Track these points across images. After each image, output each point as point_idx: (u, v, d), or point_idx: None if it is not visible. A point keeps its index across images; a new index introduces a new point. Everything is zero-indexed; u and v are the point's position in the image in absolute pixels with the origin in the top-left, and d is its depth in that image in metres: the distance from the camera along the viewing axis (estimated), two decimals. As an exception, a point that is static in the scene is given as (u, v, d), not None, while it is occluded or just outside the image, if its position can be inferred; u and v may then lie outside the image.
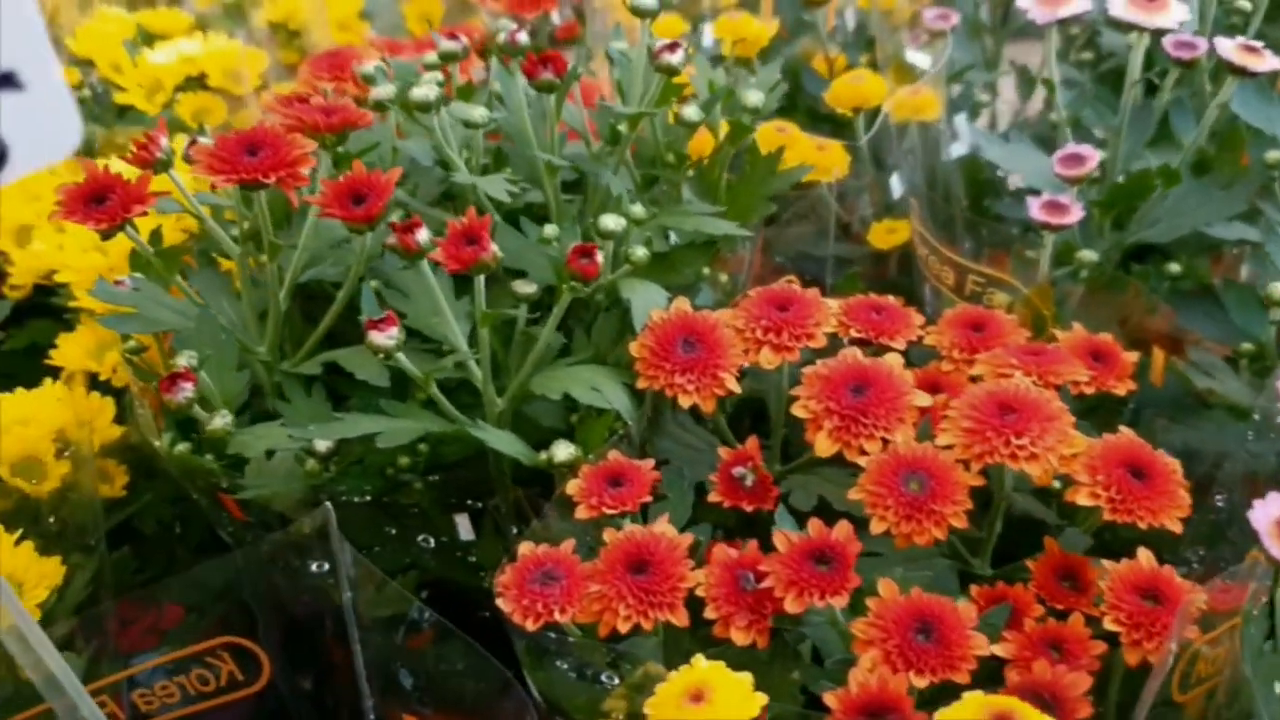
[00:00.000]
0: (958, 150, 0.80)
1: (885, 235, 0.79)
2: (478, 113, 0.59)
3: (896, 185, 0.78)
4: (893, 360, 0.56)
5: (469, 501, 0.60)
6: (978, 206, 0.78)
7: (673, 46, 0.59)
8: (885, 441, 0.53)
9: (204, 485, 0.59)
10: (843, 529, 0.50)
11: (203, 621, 0.57)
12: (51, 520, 0.59)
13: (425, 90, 0.58)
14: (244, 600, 0.56)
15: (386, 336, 0.53)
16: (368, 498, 0.58)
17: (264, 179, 0.53)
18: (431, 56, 0.66)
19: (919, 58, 0.82)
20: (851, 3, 0.97)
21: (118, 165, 0.55)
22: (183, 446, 0.59)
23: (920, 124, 0.77)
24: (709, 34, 0.93)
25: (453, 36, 0.66)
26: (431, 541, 0.60)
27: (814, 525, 0.50)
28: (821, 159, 0.73)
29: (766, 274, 0.71)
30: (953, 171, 0.78)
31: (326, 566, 0.53)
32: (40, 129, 0.25)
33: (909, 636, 0.46)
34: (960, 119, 0.82)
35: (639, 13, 0.62)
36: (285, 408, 0.58)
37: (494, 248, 0.54)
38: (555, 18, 0.84)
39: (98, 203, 0.54)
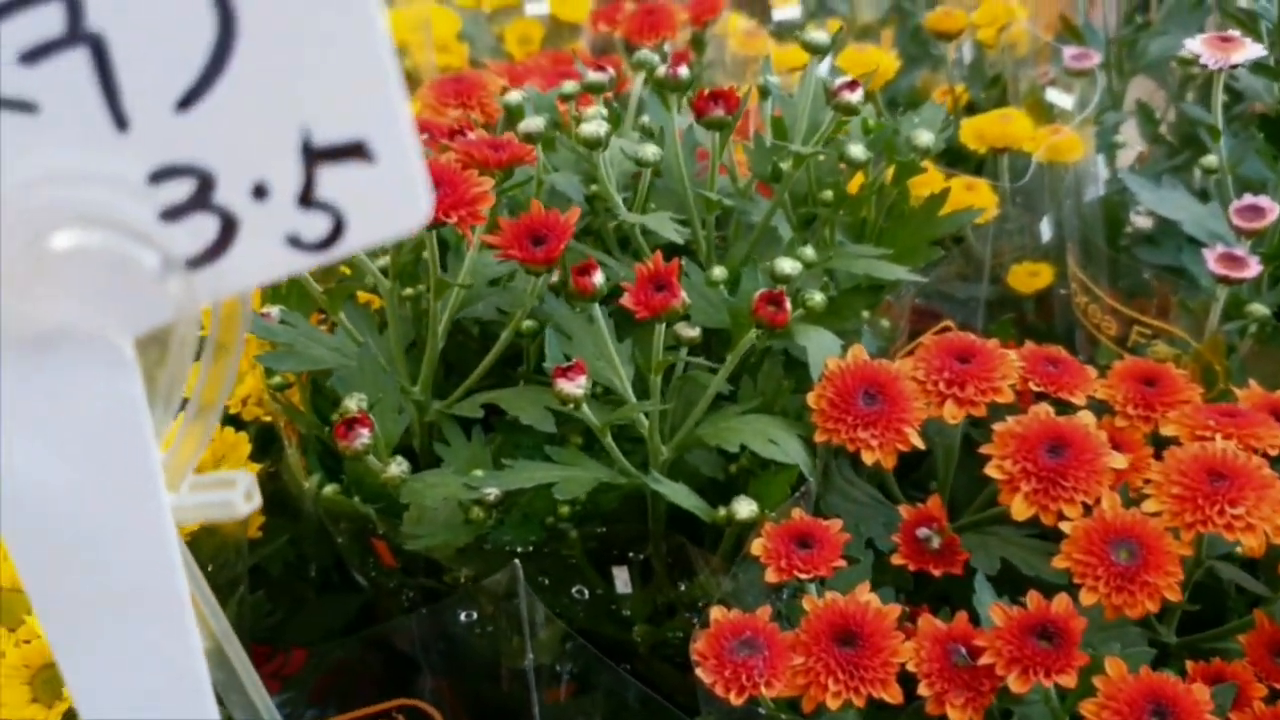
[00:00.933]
0: (1095, 192, 0.79)
1: (1027, 278, 0.77)
2: (648, 151, 0.57)
3: (1046, 229, 0.77)
4: (1086, 419, 0.55)
5: (629, 553, 0.59)
6: (1114, 250, 0.77)
7: (852, 85, 0.58)
8: (1087, 507, 0.52)
9: (352, 529, 0.58)
10: (1062, 603, 0.49)
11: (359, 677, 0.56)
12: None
13: (593, 126, 0.56)
14: (409, 655, 0.55)
15: (576, 385, 0.51)
16: (529, 548, 0.56)
17: (445, 218, 0.51)
18: (572, 86, 0.64)
19: (1060, 98, 0.80)
20: (970, 36, 0.95)
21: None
22: (331, 488, 0.57)
23: (1064, 166, 0.76)
24: (825, 65, 0.90)
25: (599, 67, 0.64)
26: (585, 593, 0.59)
27: (1033, 598, 0.49)
28: (971, 199, 0.72)
29: (916, 318, 0.70)
30: (1096, 213, 0.76)
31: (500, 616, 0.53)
32: (384, 200, 0.24)
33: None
34: (1098, 161, 0.80)
35: (811, 49, 0.60)
36: (446, 451, 0.56)
37: (682, 295, 0.52)
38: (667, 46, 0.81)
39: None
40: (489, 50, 1.03)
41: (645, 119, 0.66)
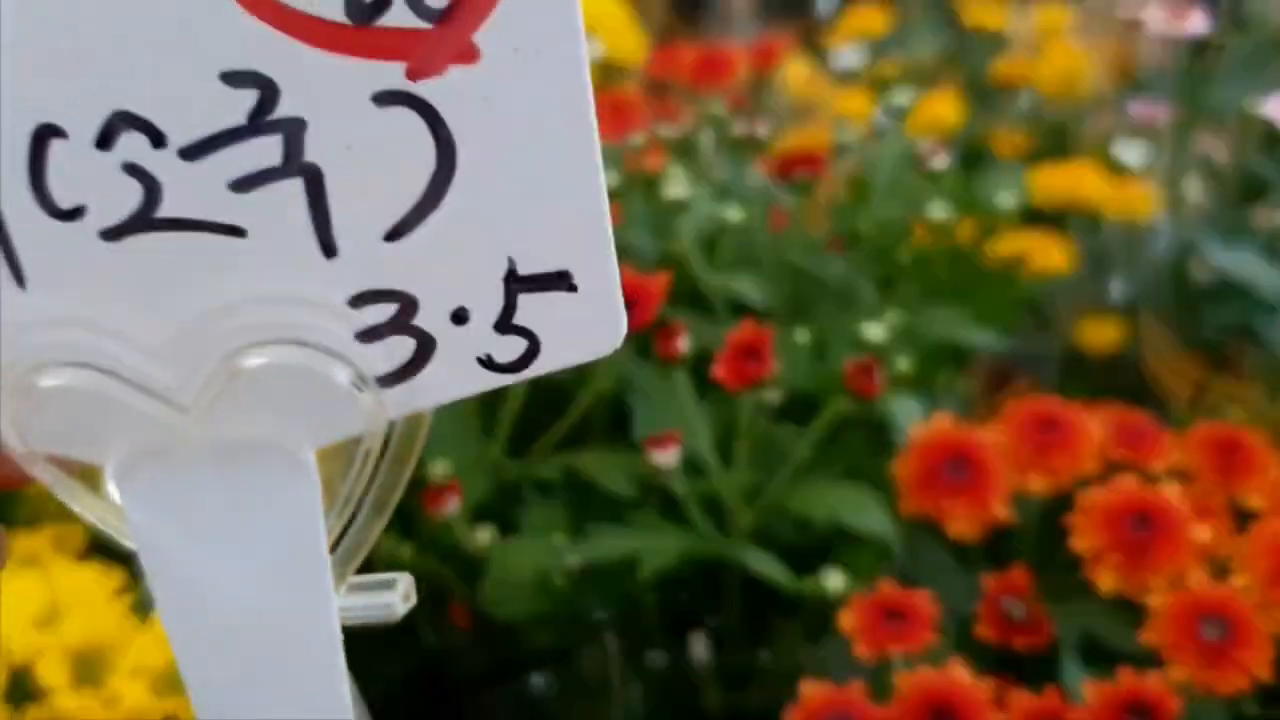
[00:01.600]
0: (1161, 247, 0.79)
1: (1096, 335, 0.78)
2: (732, 213, 0.58)
3: (1116, 288, 0.77)
4: (1171, 491, 0.55)
5: (704, 619, 0.59)
6: (1187, 308, 0.77)
7: (937, 151, 0.58)
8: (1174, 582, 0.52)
9: (426, 590, 0.58)
10: (1156, 681, 0.49)
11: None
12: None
13: (678, 189, 0.57)
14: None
15: (668, 456, 0.51)
16: (607, 614, 0.56)
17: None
18: (639, 138, 0.65)
19: (1128, 152, 0.80)
20: (1034, 82, 0.96)
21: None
22: (406, 547, 0.57)
23: (1139, 223, 0.76)
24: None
25: (670, 118, 0.65)
26: (661, 660, 0.59)
27: (1125, 675, 0.49)
28: (1044, 259, 0.72)
29: (984, 374, 0.70)
30: (1164, 272, 0.77)
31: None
32: (580, 326, 0.24)
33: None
34: (1165, 217, 0.81)
35: (893, 114, 0.60)
36: (526, 515, 0.56)
37: (774, 364, 0.52)
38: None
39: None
40: None
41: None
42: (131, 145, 0.21)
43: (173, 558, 0.26)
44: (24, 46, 0.21)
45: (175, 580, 0.26)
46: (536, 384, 0.61)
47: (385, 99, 0.21)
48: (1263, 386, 0.65)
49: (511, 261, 0.23)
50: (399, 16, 0.20)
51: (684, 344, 0.54)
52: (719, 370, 0.53)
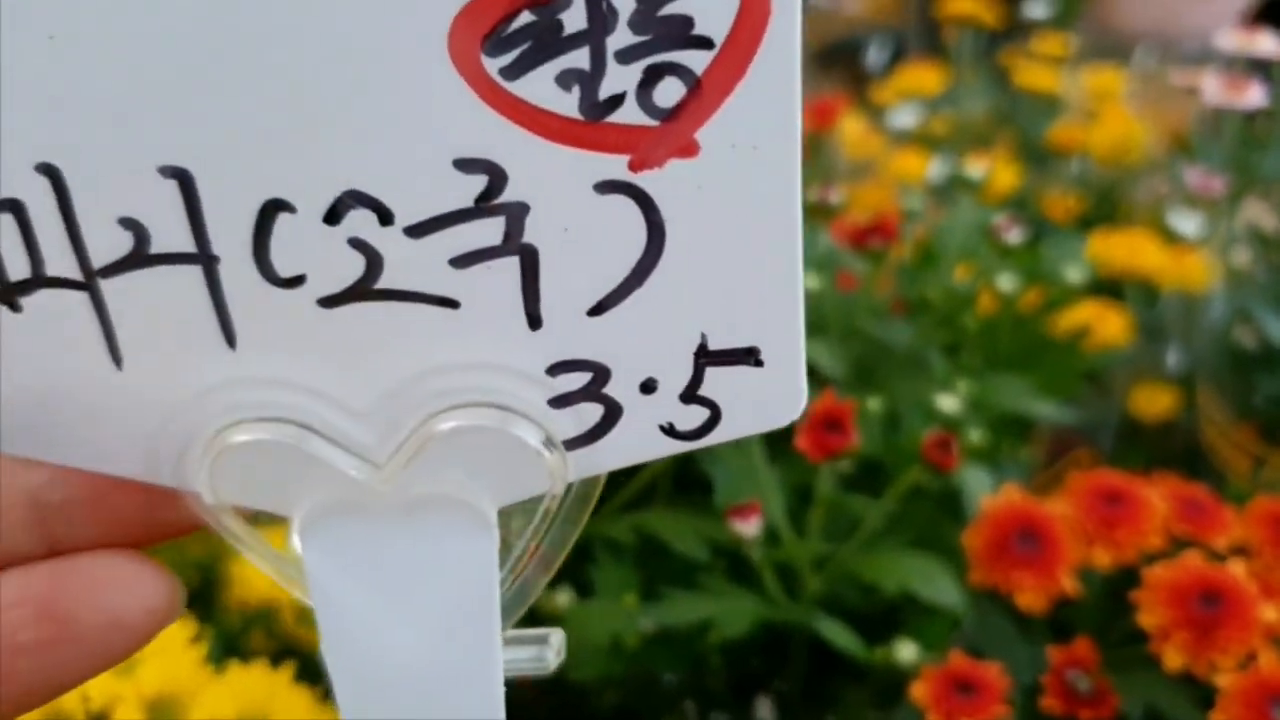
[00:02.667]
0: (1215, 316, 0.81)
1: (1151, 403, 0.80)
2: (809, 281, 0.59)
3: (1173, 357, 0.79)
4: (1238, 569, 0.57)
5: (771, 682, 0.60)
6: (1242, 378, 0.79)
7: (1010, 225, 0.60)
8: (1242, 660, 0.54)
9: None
10: (1227, 761, 0.50)
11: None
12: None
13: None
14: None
15: (750, 526, 0.53)
16: (678, 676, 0.58)
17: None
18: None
19: (1182, 221, 0.83)
20: (1088, 147, 0.98)
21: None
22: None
23: (1195, 294, 0.79)
24: (939, 169, 0.94)
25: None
26: (726, 722, 0.60)
27: (1197, 756, 0.50)
28: (1102, 328, 0.74)
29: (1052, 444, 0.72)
30: (1219, 341, 0.79)
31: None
32: (763, 399, 0.26)
33: None
34: (1218, 286, 0.83)
35: (964, 185, 0.63)
36: (600, 576, 0.58)
37: (855, 436, 0.54)
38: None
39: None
40: None
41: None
42: (358, 221, 0.23)
43: (348, 610, 0.28)
44: (259, 126, 0.23)
45: (348, 633, 0.28)
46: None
47: (606, 188, 0.23)
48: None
49: (704, 337, 0.25)
50: (629, 115, 0.22)
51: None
52: (800, 441, 0.54)
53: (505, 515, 0.27)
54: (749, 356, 0.25)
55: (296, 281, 0.24)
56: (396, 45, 0.22)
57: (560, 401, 0.26)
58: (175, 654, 0.57)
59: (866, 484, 0.60)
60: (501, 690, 0.29)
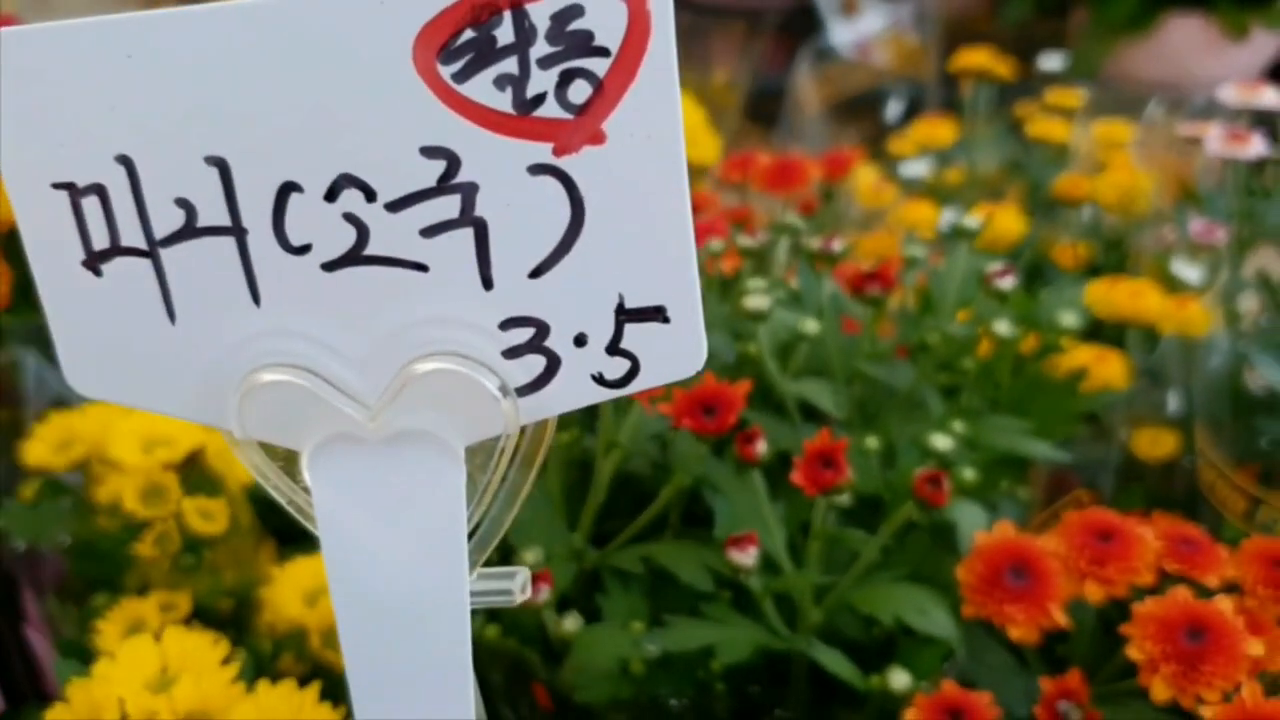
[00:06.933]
0: (1218, 361, 0.88)
1: (1152, 445, 0.86)
2: (809, 326, 0.67)
3: (1173, 401, 0.86)
4: (1224, 605, 0.62)
5: (773, 709, 0.66)
6: (1242, 422, 0.85)
7: (1005, 272, 0.67)
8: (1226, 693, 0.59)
9: (508, 668, 0.66)
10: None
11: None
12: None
13: (758, 301, 0.66)
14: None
15: (747, 556, 0.60)
16: (682, 701, 0.64)
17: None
18: (718, 244, 0.75)
19: (1185, 270, 0.90)
20: (1095, 196, 1.07)
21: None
22: (492, 629, 0.66)
23: (1196, 340, 0.85)
24: (947, 219, 1.02)
25: (749, 231, 0.75)
26: (729, 747, 0.67)
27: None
28: (1102, 372, 0.81)
29: (1044, 480, 0.79)
30: (1220, 386, 0.85)
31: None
32: (671, 352, 0.34)
33: None
34: (1221, 332, 0.90)
35: (962, 234, 0.70)
36: (607, 603, 0.65)
37: (849, 473, 0.61)
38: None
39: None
40: None
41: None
42: (350, 199, 0.32)
43: (346, 529, 0.36)
44: (276, 125, 0.32)
45: (345, 549, 0.36)
46: (620, 479, 0.71)
47: (536, 170, 0.32)
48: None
49: (621, 297, 0.33)
50: (551, 110, 0.31)
51: (762, 448, 0.63)
52: (796, 476, 0.61)
53: (471, 454, 0.35)
54: (658, 314, 0.33)
55: (305, 249, 0.33)
56: (374, 60, 0.31)
57: (511, 353, 0.34)
58: (208, 673, 0.64)
59: (865, 520, 0.67)
60: (468, 608, 0.37)
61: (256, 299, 0.34)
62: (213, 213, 0.33)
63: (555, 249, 0.32)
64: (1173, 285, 0.92)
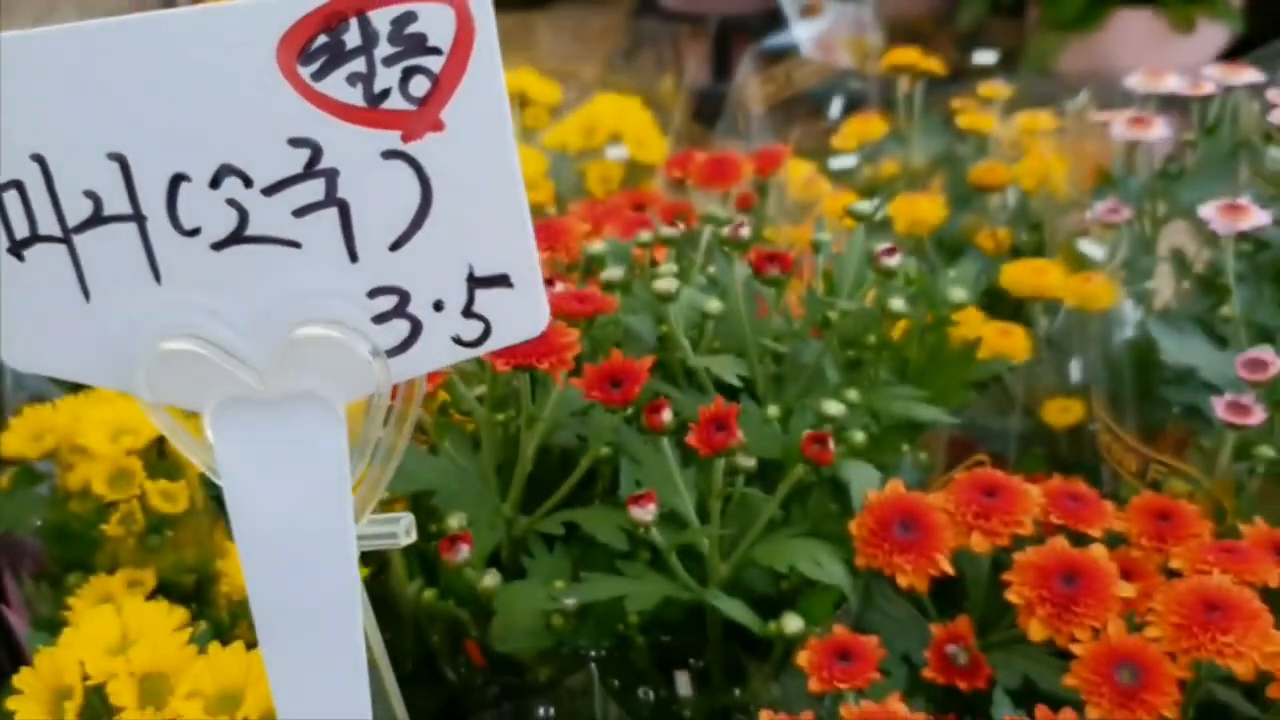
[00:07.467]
0: (1126, 334, 0.93)
1: (1060, 413, 0.92)
2: (713, 305, 0.73)
3: (1076, 370, 0.92)
4: (1098, 552, 0.68)
5: (690, 660, 0.72)
6: (1145, 389, 0.91)
7: (891, 251, 0.73)
8: (1096, 631, 0.64)
9: (446, 628, 0.72)
10: (1066, 715, 0.61)
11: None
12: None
13: (667, 284, 0.72)
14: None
15: (647, 512, 0.65)
16: (602, 652, 0.70)
17: (538, 364, 0.67)
18: (646, 236, 0.80)
19: (1092, 248, 0.95)
20: (1015, 182, 1.12)
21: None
22: (429, 593, 0.71)
23: (1093, 312, 0.91)
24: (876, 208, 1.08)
25: (671, 222, 0.80)
26: (651, 695, 0.72)
27: (1041, 713, 0.61)
28: (1006, 344, 0.87)
29: (954, 447, 0.84)
30: (1124, 356, 0.91)
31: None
32: (517, 314, 0.39)
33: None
34: (1128, 304, 0.95)
35: (856, 217, 0.76)
36: (531, 564, 0.71)
37: (739, 435, 0.66)
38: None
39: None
40: (572, 188, 1.22)
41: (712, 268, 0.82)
42: (232, 186, 0.38)
43: (245, 483, 0.41)
44: (166, 124, 0.37)
45: (245, 500, 0.42)
46: (548, 453, 0.76)
47: (388, 155, 0.37)
48: (1203, 462, 0.78)
49: (470, 266, 0.38)
50: (396, 103, 0.36)
51: (668, 416, 0.68)
52: (692, 439, 0.67)
53: (352, 416, 0.41)
54: (503, 281, 0.39)
55: (196, 232, 0.38)
56: (244, 64, 0.36)
57: (379, 319, 0.39)
58: (164, 638, 0.70)
59: (771, 484, 0.72)
60: (354, 548, 0.42)
61: (158, 277, 0.39)
62: (116, 202, 0.38)
63: (410, 224, 0.38)
64: (1081, 264, 0.98)
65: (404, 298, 0.39)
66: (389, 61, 0.36)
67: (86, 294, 0.40)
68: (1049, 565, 0.67)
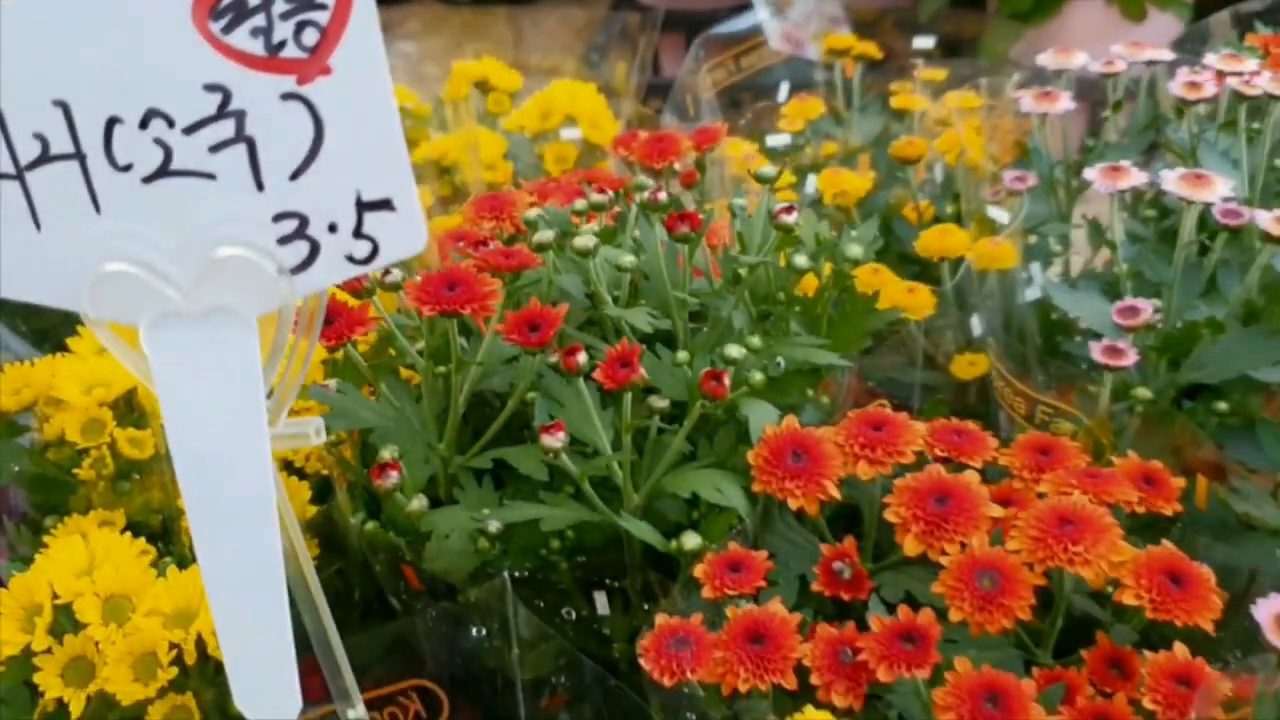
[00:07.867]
0: (1032, 295, 1.01)
1: (966, 367, 0.99)
2: (627, 259, 0.80)
3: (977, 324, 0.99)
4: (970, 477, 0.74)
5: (606, 581, 0.79)
6: (1051, 345, 0.98)
7: (789, 209, 0.80)
8: (963, 545, 0.71)
9: (387, 558, 0.79)
10: (926, 615, 0.67)
11: (382, 674, 0.76)
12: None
13: (585, 240, 0.79)
14: (419, 656, 0.76)
15: (556, 439, 0.72)
16: (525, 573, 0.77)
17: (461, 310, 0.74)
18: (581, 204, 0.87)
19: (999, 213, 1.03)
20: (940, 158, 1.20)
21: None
22: (371, 524, 0.78)
23: (999, 272, 0.98)
24: (811, 184, 1.15)
25: (601, 190, 0.87)
26: (573, 614, 0.79)
27: (903, 611, 0.67)
28: (911, 300, 0.94)
29: (861, 397, 0.91)
30: (1027, 314, 0.98)
31: (497, 627, 0.73)
32: (400, 235, 0.46)
33: (980, 705, 0.62)
34: (1035, 267, 1.02)
35: (761, 180, 0.83)
36: (462, 495, 0.78)
37: (641, 370, 0.73)
38: (676, 166, 1.05)
39: (327, 324, 0.75)
40: (530, 168, 1.29)
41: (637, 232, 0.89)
42: (158, 127, 0.45)
43: (175, 388, 0.48)
44: (102, 76, 0.44)
45: (178, 405, 0.48)
46: (482, 397, 0.83)
47: (286, 97, 0.44)
48: (1087, 404, 0.85)
49: (358, 192, 0.45)
50: (292, 51, 0.43)
51: (583, 358, 0.75)
52: (599, 375, 0.74)
53: (264, 330, 0.48)
54: (386, 205, 0.46)
55: (129, 168, 0.45)
56: (166, 21, 0.43)
57: (283, 241, 0.46)
58: (127, 562, 0.77)
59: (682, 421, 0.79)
60: (268, 449, 0.49)
61: (98, 208, 0.46)
62: (61, 143, 0.45)
63: (306, 156, 0.45)
64: (992, 229, 1.05)
65: (304, 221, 0.46)
66: (285, 16, 0.43)
67: (38, 224, 0.47)
68: (923, 488, 0.73)
